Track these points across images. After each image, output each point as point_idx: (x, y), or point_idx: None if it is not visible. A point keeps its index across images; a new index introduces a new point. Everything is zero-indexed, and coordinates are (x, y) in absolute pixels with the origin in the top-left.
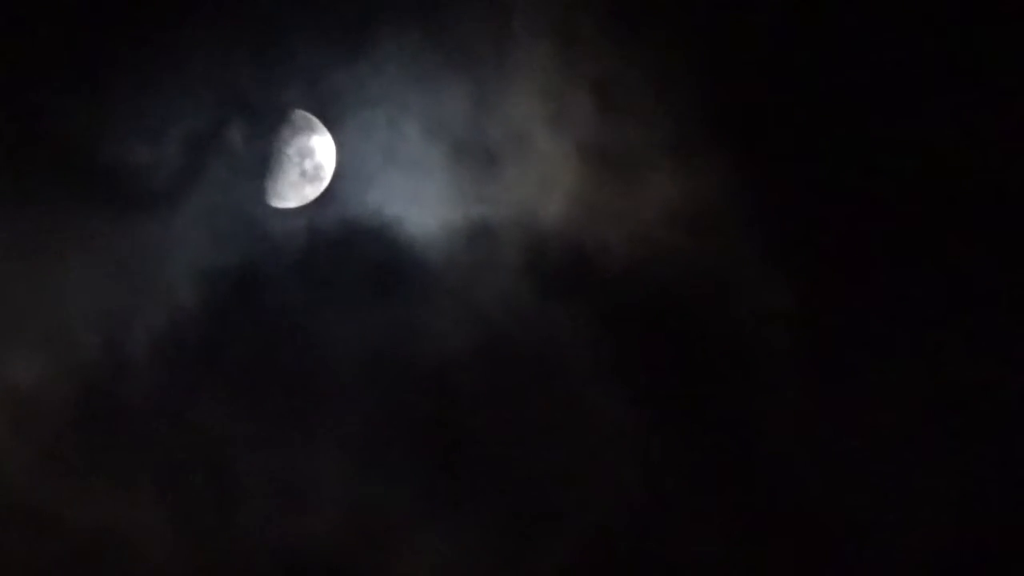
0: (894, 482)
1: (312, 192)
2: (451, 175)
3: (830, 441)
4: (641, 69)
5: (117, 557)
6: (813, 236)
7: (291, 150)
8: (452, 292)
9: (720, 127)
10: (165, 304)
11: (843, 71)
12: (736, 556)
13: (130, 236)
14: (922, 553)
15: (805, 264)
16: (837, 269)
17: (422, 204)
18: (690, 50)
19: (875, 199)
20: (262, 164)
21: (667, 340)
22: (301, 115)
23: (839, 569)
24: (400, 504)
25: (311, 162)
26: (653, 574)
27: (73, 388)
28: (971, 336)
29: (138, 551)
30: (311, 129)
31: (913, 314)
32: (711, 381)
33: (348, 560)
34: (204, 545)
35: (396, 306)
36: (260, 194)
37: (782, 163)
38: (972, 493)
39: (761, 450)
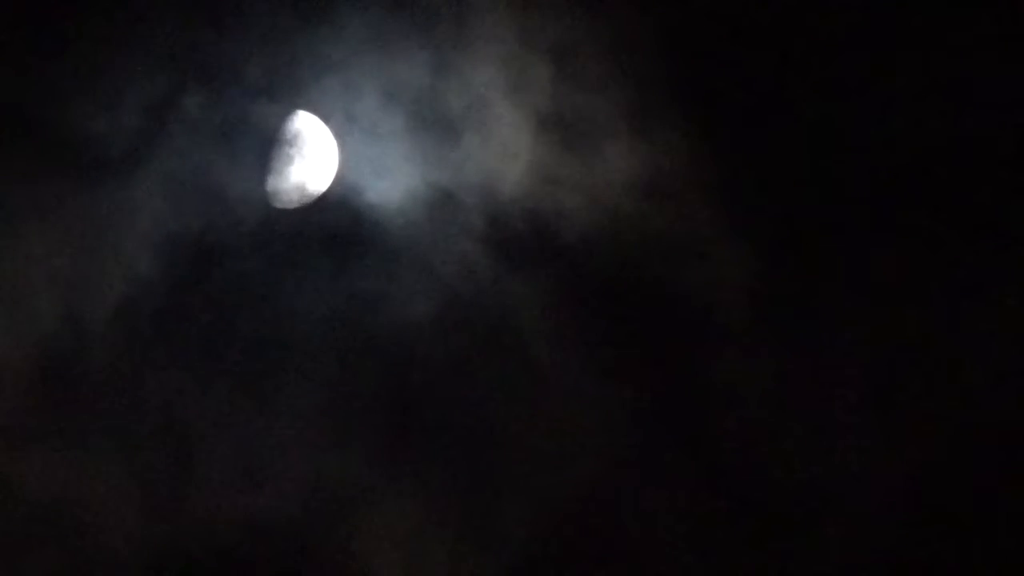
0: (858, 454)
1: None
2: (410, 143)
3: (794, 412)
4: (601, 36)
5: (73, 529)
6: (777, 205)
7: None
8: (412, 261)
9: (682, 95)
10: (123, 274)
11: (808, 37)
12: (699, 525)
13: (87, 205)
14: (885, 525)
15: (769, 233)
16: (802, 238)
17: (381, 172)
18: (650, 16)
19: (842, 168)
20: (219, 132)
21: (628, 309)
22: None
23: (803, 541)
24: (362, 475)
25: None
26: (618, 542)
27: (29, 358)
28: (939, 309)
29: (95, 523)
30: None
31: (880, 285)
32: (673, 351)
33: (309, 532)
34: (162, 517)
35: (356, 275)
36: (218, 162)
37: (745, 131)
38: (937, 465)
39: (724, 421)
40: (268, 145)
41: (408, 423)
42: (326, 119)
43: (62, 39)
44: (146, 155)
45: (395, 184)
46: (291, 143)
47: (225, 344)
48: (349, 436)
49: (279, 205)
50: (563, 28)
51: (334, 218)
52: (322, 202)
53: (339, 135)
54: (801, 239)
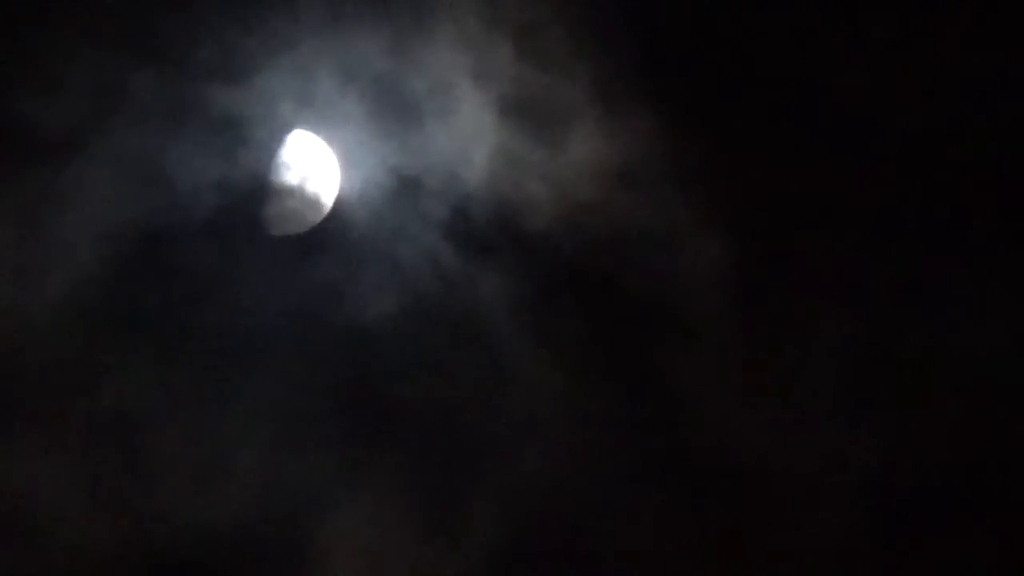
0: (832, 445)
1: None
2: (370, 128)
3: (768, 403)
4: (567, 15)
5: (19, 533)
6: (749, 191)
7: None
8: (373, 252)
9: (653, 76)
10: (68, 264)
11: (780, 17)
12: (671, 524)
13: (28, 191)
14: (860, 514)
15: (741, 221)
16: (775, 226)
17: (340, 159)
18: None
19: (823, 154)
20: (170, 116)
21: (599, 303)
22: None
23: (779, 538)
24: (322, 477)
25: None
26: (589, 542)
27: None
28: (919, 302)
29: (42, 527)
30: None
31: (855, 273)
32: (643, 343)
33: (267, 536)
34: (113, 521)
35: (314, 267)
36: (168, 148)
37: (720, 115)
38: (912, 453)
39: (698, 419)
40: (220, 129)
41: (370, 422)
42: (281, 102)
43: (4, 21)
44: (92, 139)
45: (355, 171)
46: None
47: (177, 339)
48: (309, 436)
49: (233, 193)
50: (527, 7)
51: (291, 207)
52: (278, 190)
53: (295, 119)
54: (779, 230)
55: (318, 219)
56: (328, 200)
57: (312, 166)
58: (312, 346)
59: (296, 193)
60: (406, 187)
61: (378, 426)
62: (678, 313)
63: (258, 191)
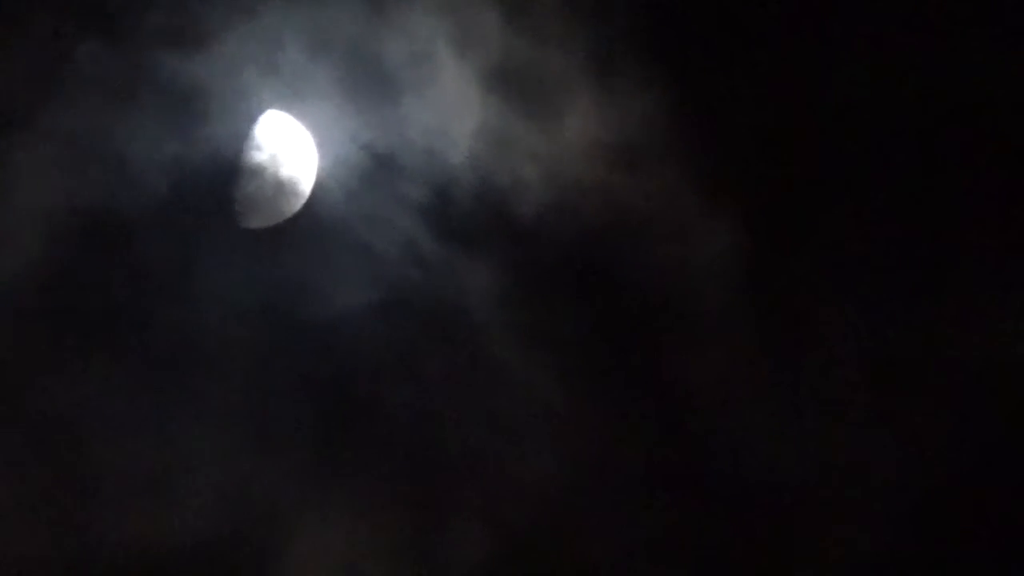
0: (853, 455)
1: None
2: (342, 101)
3: (782, 409)
4: None
5: None
6: (762, 173)
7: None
8: (346, 239)
9: (652, 46)
10: (5, 253)
11: None
12: (676, 539)
13: None
14: (883, 532)
15: (749, 205)
16: (790, 212)
17: (308, 134)
18: None
19: (838, 130)
20: (118, 87)
21: (592, 293)
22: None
23: (795, 553)
24: (288, 487)
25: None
26: (584, 563)
27: None
28: (951, 289)
29: None
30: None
31: (879, 264)
32: (645, 342)
33: (227, 554)
34: (57, 540)
35: (281, 256)
36: (120, 123)
37: (725, 89)
38: (942, 464)
39: (698, 417)
40: (175, 103)
41: (343, 428)
42: (243, 73)
43: None
44: (33, 115)
45: (326, 149)
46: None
47: (127, 337)
48: (275, 444)
49: (189, 173)
50: None
51: (255, 189)
52: (240, 170)
53: (259, 92)
54: (795, 216)
55: (284, 203)
56: (295, 182)
57: (277, 143)
58: (277, 345)
59: (262, 174)
60: (381, 167)
61: (351, 434)
62: (684, 309)
63: (218, 171)
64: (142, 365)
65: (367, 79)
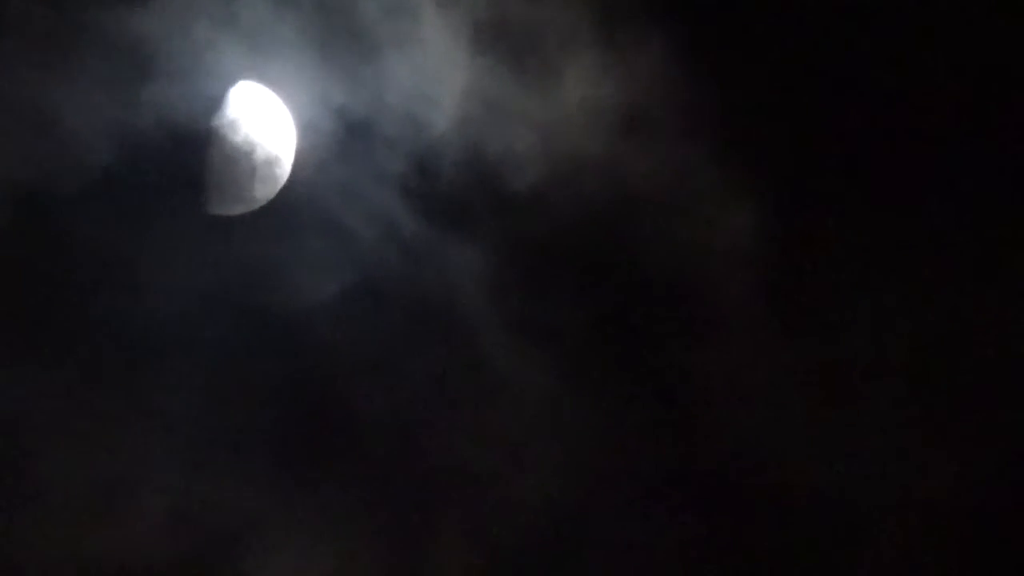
0: (881, 457)
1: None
2: (314, 60)
3: (801, 406)
4: None
5: None
6: (783, 142)
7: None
8: (317, 218)
9: None
10: None
11: None
12: (688, 560)
13: None
14: (929, 554)
15: (772, 180)
16: (814, 186)
17: (275, 98)
18: None
19: (869, 96)
20: (55, 42)
21: (595, 280)
22: None
23: (819, 568)
24: (250, 503)
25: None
26: None
27: None
28: (998, 278)
29: None
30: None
31: (918, 247)
32: (652, 334)
33: (182, 574)
34: None
35: (243, 237)
36: (52, 83)
37: (742, 47)
38: (973, 466)
39: (717, 421)
40: (121, 61)
41: (312, 436)
42: (198, 26)
43: None
44: None
45: (294, 113)
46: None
47: (68, 330)
48: (235, 454)
49: (134, 141)
50: None
51: (214, 160)
52: (196, 137)
53: (217, 48)
54: (821, 191)
55: (248, 177)
56: (261, 152)
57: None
58: (238, 341)
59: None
60: (355, 135)
61: (321, 443)
62: (699, 299)
63: (169, 141)
64: (83, 364)
65: (337, 34)
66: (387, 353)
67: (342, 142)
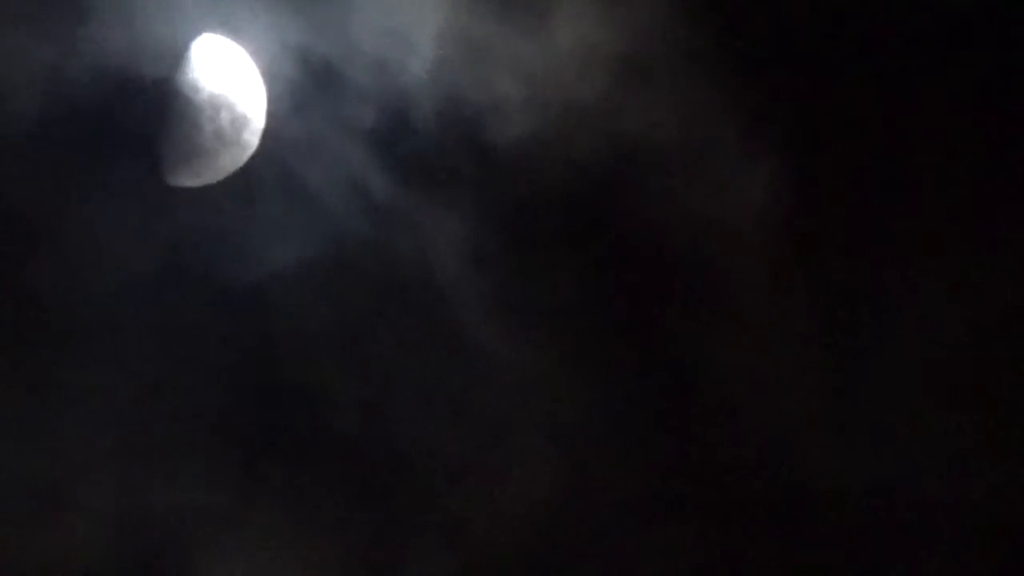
0: (917, 456)
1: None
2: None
3: (826, 397)
4: None
5: None
6: (804, 92)
7: None
8: (276, 178)
9: None
10: None
11: None
12: (692, 561)
13: None
14: (952, 550)
15: (792, 135)
16: (839, 143)
17: (229, 39)
18: None
19: (902, 37)
20: None
21: (590, 250)
22: None
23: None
24: (204, 500)
25: None
26: None
27: None
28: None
29: None
30: None
31: (953, 212)
32: (650, 306)
33: None
34: None
35: (191, 199)
36: None
37: None
38: (1007, 455)
39: (730, 413)
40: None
41: (274, 426)
42: None
43: None
44: None
45: (252, 55)
46: None
47: None
48: (187, 445)
49: (67, 87)
50: None
51: (158, 107)
52: (140, 82)
53: None
54: (847, 148)
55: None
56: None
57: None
58: (189, 317)
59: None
60: (319, 82)
61: (284, 432)
62: (709, 272)
63: (109, 85)
64: (9, 350)
65: None
66: (356, 331)
67: (303, 89)
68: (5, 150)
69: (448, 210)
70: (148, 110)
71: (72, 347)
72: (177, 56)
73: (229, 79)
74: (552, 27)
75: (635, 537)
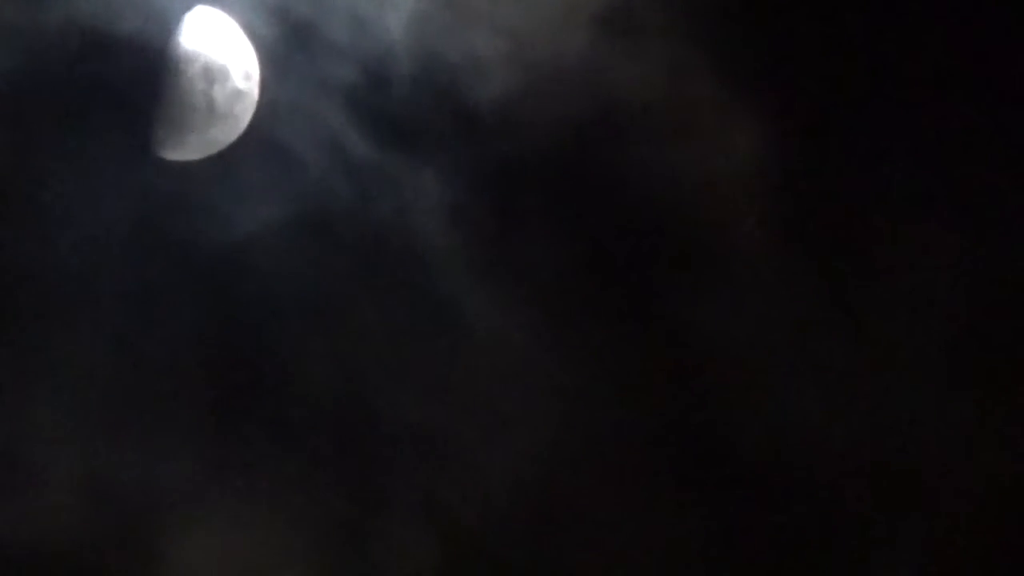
0: (923, 428)
1: None
2: None
3: (827, 365)
4: None
5: None
6: (803, 46)
7: None
8: (250, 138)
9: None
10: None
11: None
12: (685, 537)
13: None
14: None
15: (781, 90)
16: (839, 100)
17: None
18: None
19: None
20: None
21: (573, 209)
22: None
23: (846, 558)
24: (174, 474)
25: None
26: (562, 570)
27: None
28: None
29: None
30: None
31: (962, 167)
32: (645, 275)
33: (94, 560)
34: None
35: (156, 155)
36: None
37: None
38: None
39: (725, 381)
40: None
41: (247, 396)
42: None
43: None
44: None
45: (215, 11)
46: None
47: None
48: (156, 417)
49: (37, 43)
50: None
51: (129, 65)
52: (109, 40)
53: None
54: (848, 105)
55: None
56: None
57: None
58: (159, 284)
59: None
60: (294, 37)
61: (257, 403)
62: (702, 233)
63: (82, 42)
64: None
65: None
66: (333, 299)
67: (277, 45)
68: None
69: (426, 171)
70: (139, 80)
71: (36, 315)
72: (170, 27)
73: (223, 50)
74: None
75: (614, 503)
